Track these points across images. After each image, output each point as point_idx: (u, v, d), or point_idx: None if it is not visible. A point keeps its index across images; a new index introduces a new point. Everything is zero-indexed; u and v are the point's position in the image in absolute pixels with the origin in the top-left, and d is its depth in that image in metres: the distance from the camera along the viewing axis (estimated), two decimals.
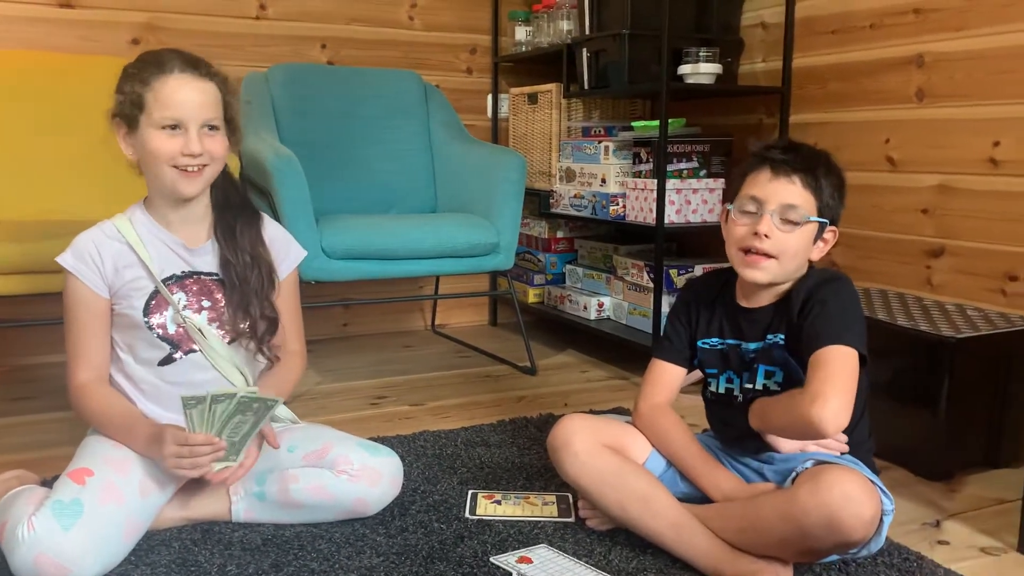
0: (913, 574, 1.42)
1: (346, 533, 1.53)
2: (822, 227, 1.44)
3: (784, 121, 2.60)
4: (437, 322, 3.36)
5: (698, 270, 2.67)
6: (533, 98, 3.12)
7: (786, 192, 1.41)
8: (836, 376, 1.30)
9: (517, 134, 3.24)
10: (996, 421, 1.89)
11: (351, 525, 1.56)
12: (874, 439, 1.51)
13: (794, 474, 1.34)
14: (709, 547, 1.38)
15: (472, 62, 3.30)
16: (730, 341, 1.52)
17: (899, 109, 2.27)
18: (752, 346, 1.49)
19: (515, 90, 3.24)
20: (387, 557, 1.46)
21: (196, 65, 1.46)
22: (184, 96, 1.44)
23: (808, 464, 1.35)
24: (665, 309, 2.54)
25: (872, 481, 1.32)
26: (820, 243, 1.46)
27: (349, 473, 1.54)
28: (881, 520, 1.30)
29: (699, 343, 1.56)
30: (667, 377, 1.59)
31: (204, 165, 1.47)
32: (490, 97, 3.34)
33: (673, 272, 2.65)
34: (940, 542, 1.58)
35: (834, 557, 1.40)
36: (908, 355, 1.89)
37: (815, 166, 1.42)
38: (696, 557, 1.39)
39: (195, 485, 1.52)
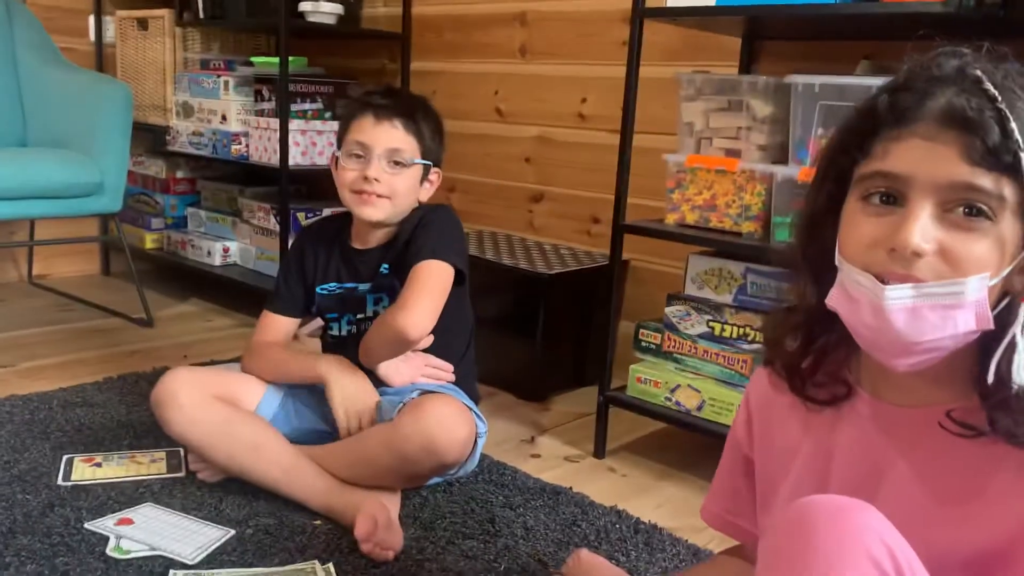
0: (507, 487, 1.57)
1: None
2: (427, 169, 1.52)
3: (405, 67, 2.65)
4: (35, 272, 2.97)
5: (326, 212, 2.66)
6: (143, 24, 2.84)
7: (390, 136, 1.47)
8: (422, 286, 1.41)
9: (126, 63, 2.94)
10: (583, 346, 2.15)
11: None
12: (477, 368, 1.64)
13: (401, 405, 1.41)
14: (320, 485, 1.41)
15: None
16: (347, 284, 1.56)
17: (506, 63, 2.44)
18: (365, 286, 1.54)
19: (122, 13, 2.92)
20: None
21: None
22: None
23: (414, 395, 1.43)
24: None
25: (468, 407, 1.43)
26: (427, 184, 1.55)
27: None
28: (476, 442, 1.42)
29: (317, 289, 1.57)
30: (276, 326, 1.61)
31: None
32: (92, 19, 2.98)
33: (301, 215, 2.61)
34: (533, 455, 1.77)
35: (436, 480, 1.51)
36: (511, 291, 2.07)
37: (414, 111, 1.50)
38: (308, 496, 1.41)
39: None
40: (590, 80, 2.25)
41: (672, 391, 1.68)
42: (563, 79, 2.31)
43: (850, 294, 0.69)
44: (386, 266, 1.53)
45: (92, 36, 3.00)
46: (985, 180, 0.63)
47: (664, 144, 1.89)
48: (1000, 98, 0.63)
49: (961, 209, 0.65)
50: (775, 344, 0.81)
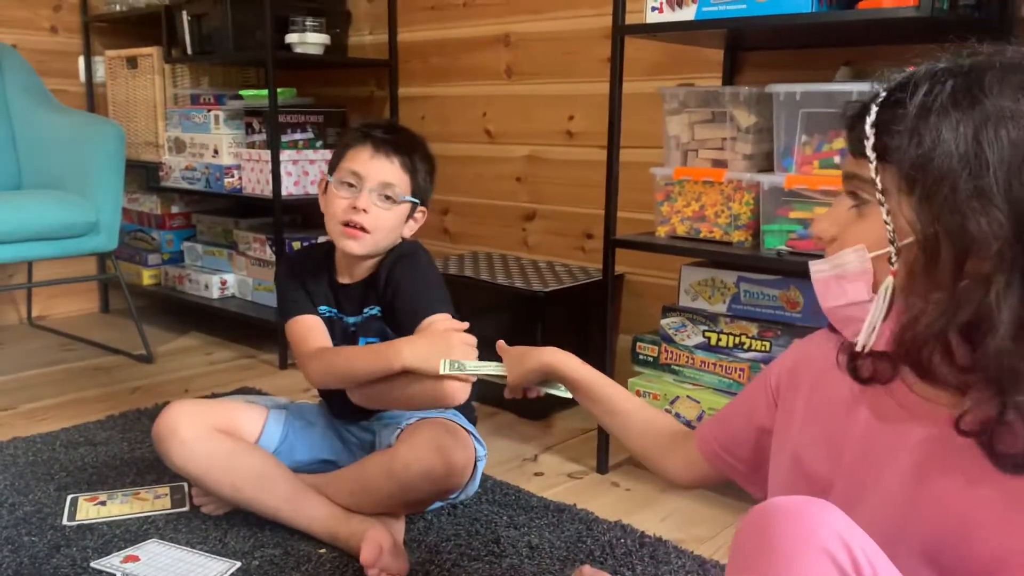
0: (511, 506, 1.57)
1: None
2: (414, 207, 1.52)
3: (393, 94, 2.68)
4: (35, 313, 2.98)
5: (321, 241, 2.67)
6: (133, 62, 2.87)
7: (385, 171, 1.46)
8: None
9: (117, 101, 2.97)
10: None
11: None
12: (476, 388, 1.64)
13: (398, 431, 1.41)
14: (324, 513, 1.41)
15: (56, 20, 2.94)
16: (335, 312, 1.55)
17: (492, 85, 2.46)
18: (351, 320, 1.54)
19: (111, 53, 2.95)
20: None
21: None
22: None
23: (412, 420, 1.43)
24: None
25: (467, 431, 1.43)
26: (411, 222, 1.54)
27: None
28: (475, 466, 1.42)
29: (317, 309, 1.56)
30: (313, 326, 1.51)
31: None
32: (82, 59, 3.01)
33: (296, 244, 2.63)
34: (536, 474, 1.77)
35: (438, 504, 1.51)
36: (507, 310, 2.08)
37: (413, 150, 1.50)
38: (312, 525, 1.42)
39: None
40: (576, 98, 2.27)
41: (671, 403, 1.68)
42: (549, 98, 2.33)
43: None
44: (378, 309, 1.51)
45: (82, 77, 3.03)
46: (857, 167, 0.72)
47: (651, 158, 1.91)
48: (881, 96, 0.71)
49: (849, 195, 0.75)
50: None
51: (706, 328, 1.68)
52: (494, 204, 2.51)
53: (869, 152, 0.70)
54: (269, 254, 2.62)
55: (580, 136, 2.28)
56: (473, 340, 1.38)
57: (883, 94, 0.71)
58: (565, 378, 1.14)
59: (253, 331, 2.69)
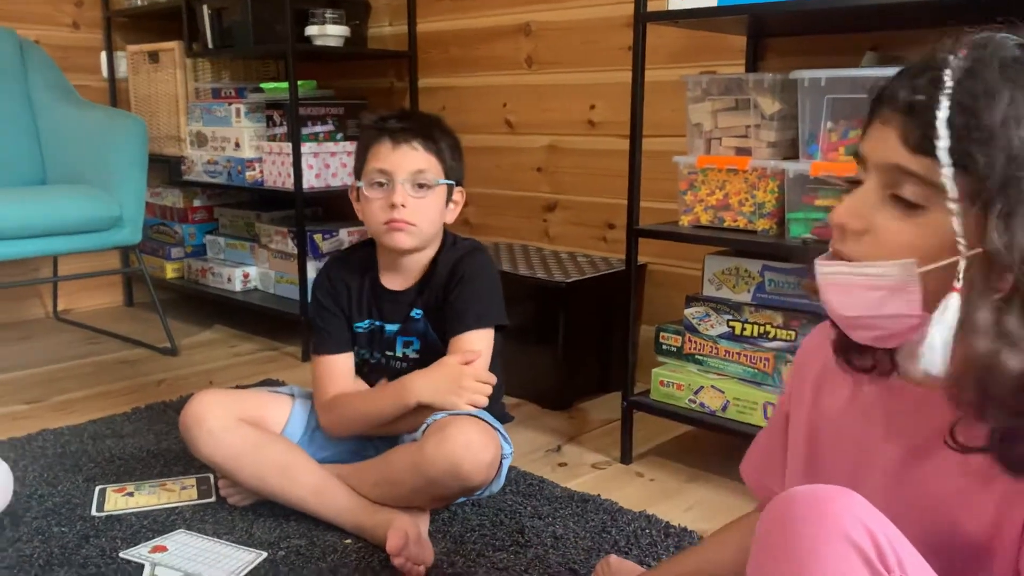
0: (535, 496, 1.57)
1: None
2: (451, 189, 1.51)
3: (413, 85, 2.67)
4: (61, 307, 3.01)
5: (343, 233, 2.68)
6: (154, 57, 2.88)
7: (411, 159, 1.45)
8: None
9: (139, 96, 2.98)
10: (605, 352, 2.15)
11: None
12: (504, 384, 1.63)
13: (425, 426, 1.41)
14: (349, 504, 1.41)
15: (78, 16, 2.96)
16: (376, 323, 1.55)
17: (513, 75, 2.45)
18: (393, 326, 1.54)
19: (133, 48, 2.97)
20: None
21: None
22: None
23: (439, 416, 1.42)
24: (312, 275, 2.51)
25: (494, 428, 1.42)
26: (451, 204, 1.53)
27: None
28: (501, 463, 1.41)
29: (354, 327, 1.56)
30: (337, 368, 1.53)
31: None
32: (104, 55, 3.03)
33: (318, 237, 2.64)
34: (560, 464, 1.77)
35: (462, 499, 1.50)
36: (530, 301, 2.07)
37: (431, 130, 1.48)
38: (338, 515, 1.42)
39: None
40: (597, 87, 2.26)
41: (695, 393, 1.67)
42: (570, 87, 2.32)
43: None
44: (419, 312, 1.51)
45: (104, 72, 3.05)
46: (917, 166, 0.64)
47: (674, 146, 1.89)
48: (947, 86, 0.63)
49: (895, 193, 0.66)
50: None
51: (730, 317, 1.67)
52: (515, 195, 2.50)
53: (943, 155, 0.62)
54: (291, 247, 2.63)
55: (601, 125, 2.26)
56: (486, 376, 1.41)
57: (948, 85, 0.63)
58: None
59: (276, 323, 2.71)
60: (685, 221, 1.70)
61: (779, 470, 0.91)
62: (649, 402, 1.72)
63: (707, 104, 1.67)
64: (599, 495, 1.58)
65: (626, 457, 1.76)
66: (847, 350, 0.77)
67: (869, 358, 0.76)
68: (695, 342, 1.71)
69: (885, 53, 1.62)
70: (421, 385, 1.41)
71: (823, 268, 0.70)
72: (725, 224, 1.65)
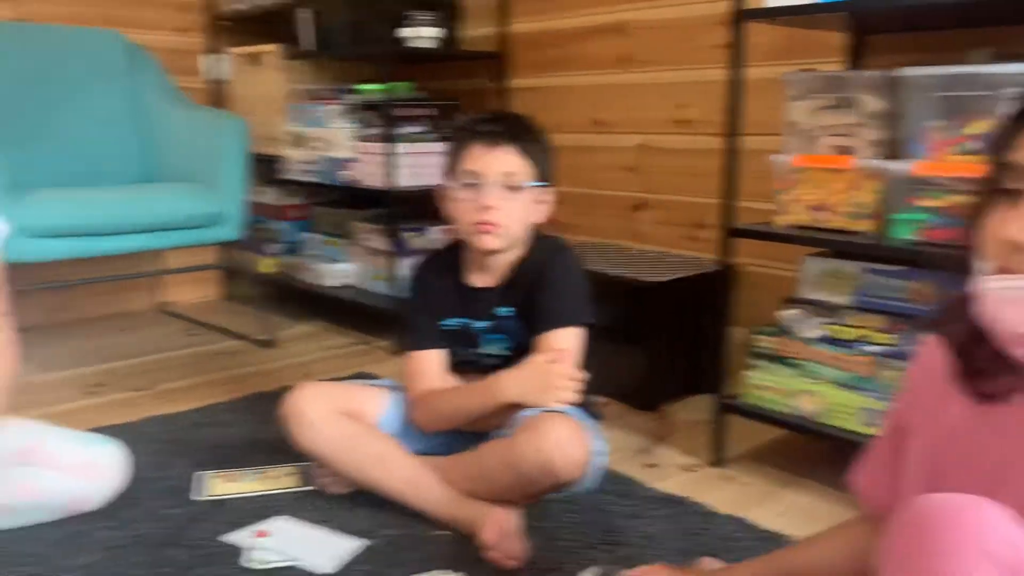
0: (626, 496, 1.57)
1: (63, 532, 1.43)
2: (539, 190, 1.52)
3: (504, 86, 2.70)
4: (164, 300, 3.15)
5: (433, 232, 2.73)
6: (255, 59, 2.99)
7: (502, 161, 1.47)
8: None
9: (239, 97, 3.10)
10: (694, 353, 2.12)
11: (69, 522, 1.45)
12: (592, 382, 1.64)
13: (515, 422, 1.42)
14: (443, 496, 1.44)
15: (183, 20, 3.09)
16: (463, 320, 1.58)
17: (605, 74, 2.45)
18: (481, 324, 1.56)
19: (235, 51, 3.08)
20: (111, 551, 1.37)
21: None
22: None
23: (530, 412, 1.44)
24: (403, 272, 2.57)
25: (586, 426, 1.43)
26: (540, 205, 1.54)
27: (63, 469, 1.43)
28: (593, 461, 1.41)
29: (442, 324, 1.59)
30: (427, 365, 1.57)
31: None
32: (207, 58, 3.15)
33: (409, 235, 2.69)
34: (649, 465, 1.76)
35: (553, 495, 1.51)
36: (618, 301, 2.07)
37: (523, 133, 1.50)
38: (432, 507, 1.45)
39: None
40: (689, 85, 2.24)
41: (790, 397, 1.64)
42: (662, 86, 2.31)
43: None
44: (510, 310, 1.53)
45: (207, 74, 3.17)
46: None
47: (769, 145, 1.86)
48: None
49: None
50: (943, 325, 0.79)
51: (828, 321, 1.64)
52: (604, 194, 2.50)
53: None
54: (383, 244, 2.69)
55: (693, 124, 2.24)
56: (575, 374, 1.41)
57: None
58: None
59: (367, 318, 2.77)
60: (781, 221, 1.67)
61: (893, 481, 0.89)
62: (742, 405, 1.70)
63: (807, 102, 1.64)
64: (690, 497, 1.57)
65: (717, 460, 1.75)
66: (973, 375, 0.75)
67: (996, 383, 0.74)
68: (791, 345, 1.68)
69: (996, 50, 1.56)
70: (510, 383, 1.44)
71: (996, 284, 0.67)
72: (824, 225, 1.62)
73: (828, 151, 1.63)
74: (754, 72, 1.87)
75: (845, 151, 1.61)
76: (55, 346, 2.62)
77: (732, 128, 1.64)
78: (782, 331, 1.70)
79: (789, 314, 1.69)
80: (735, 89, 1.63)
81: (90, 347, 2.62)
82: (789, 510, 1.55)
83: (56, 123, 2.60)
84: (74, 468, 1.44)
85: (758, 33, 1.90)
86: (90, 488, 1.46)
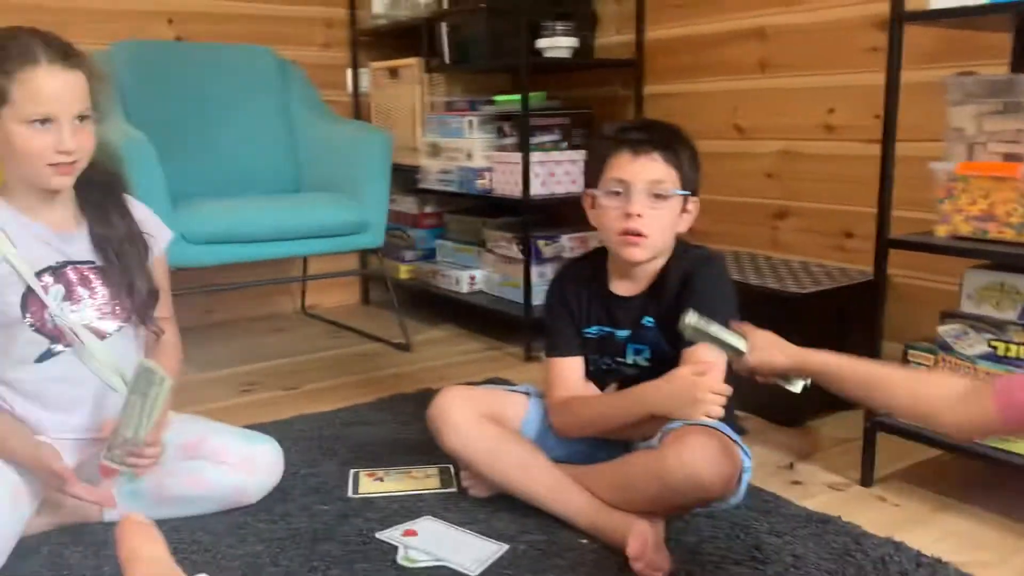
0: (770, 513, 1.53)
1: (227, 523, 1.51)
2: (684, 199, 1.51)
3: (639, 93, 2.69)
4: (307, 303, 3.30)
5: (564, 240, 2.74)
6: (394, 73, 3.09)
7: (649, 170, 1.46)
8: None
9: (379, 109, 3.21)
10: None
11: (231, 514, 1.54)
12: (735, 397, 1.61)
13: (661, 433, 1.41)
14: (585, 505, 1.45)
15: (329, 36, 3.23)
16: (605, 328, 1.58)
17: (744, 79, 2.40)
18: (624, 333, 1.56)
19: (375, 64, 3.20)
20: (271, 543, 1.45)
21: (64, 54, 1.35)
22: (55, 90, 1.33)
23: (676, 425, 1.42)
24: (535, 279, 2.60)
25: (734, 441, 1.41)
26: (685, 215, 1.53)
27: (227, 463, 1.52)
28: (741, 476, 1.39)
29: (583, 332, 1.60)
30: (567, 371, 1.58)
31: (76, 161, 1.38)
32: (350, 72, 3.29)
33: (541, 243, 2.71)
34: (794, 482, 1.71)
35: (697, 509, 1.49)
36: (759, 312, 2.01)
37: (671, 140, 1.49)
38: (574, 515, 1.46)
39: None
40: (837, 90, 2.17)
41: None
42: (807, 91, 2.24)
43: None
44: (651, 320, 1.52)
45: (349, 87, 3.30)
46: None
47: (925, 152, 1.78)
48: None
49: None
50: None
51: (992, 337, 1.55)
52: (743, 201, 2.45)
53: None
54: (515, 251, 2.73)
55: (841, 130, 2.17)
56: (723, 388, 1.38)
57: None
58: (824, 374, 1.19)
59: (499, 324, 2.81)
60: (942, 232, 1.59)
61: None
62: (896, 423, 1.63)
63: (970, 107, 1.56)
64: (839, 517, 1.52)
65: (867, 479, 1.68)
66: None
67: None
68: (950, 362, 1.60)
69: None
70: (654, 397, 1.42)
71: None
72: (988, 236, 1.53)
73: (993, 158, 1.54)
74: (909, 75, 1.80)
75: (1012, 158, 1.52)
76: (208, 346, 2.78)
77: (889, 134, 1.57)
78: (940, 347, 1.62)
79: (948, 329, 1.61)
80: (892, 94, 1.56)
81: (241, 348, 2.77)
82: (948, 535, 1.47)
83: (212, 135, 2.77)
84: (237, 463, 1.53)
85: (914, 35, 1.82)
86: (251, 482, 1.55)
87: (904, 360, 1.67)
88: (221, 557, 1.40)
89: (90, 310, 1.46)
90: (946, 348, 1.61)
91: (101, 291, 1.47)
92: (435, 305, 3.16)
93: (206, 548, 1.43)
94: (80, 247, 1.47)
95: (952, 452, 1.58)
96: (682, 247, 1.55)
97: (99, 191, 1.50)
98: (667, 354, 1.51)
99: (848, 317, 1.98)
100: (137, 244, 1.51)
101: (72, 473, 1.37)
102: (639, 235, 1.45)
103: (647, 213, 1.45)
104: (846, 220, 2.17)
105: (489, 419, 1.55)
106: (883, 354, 1.78)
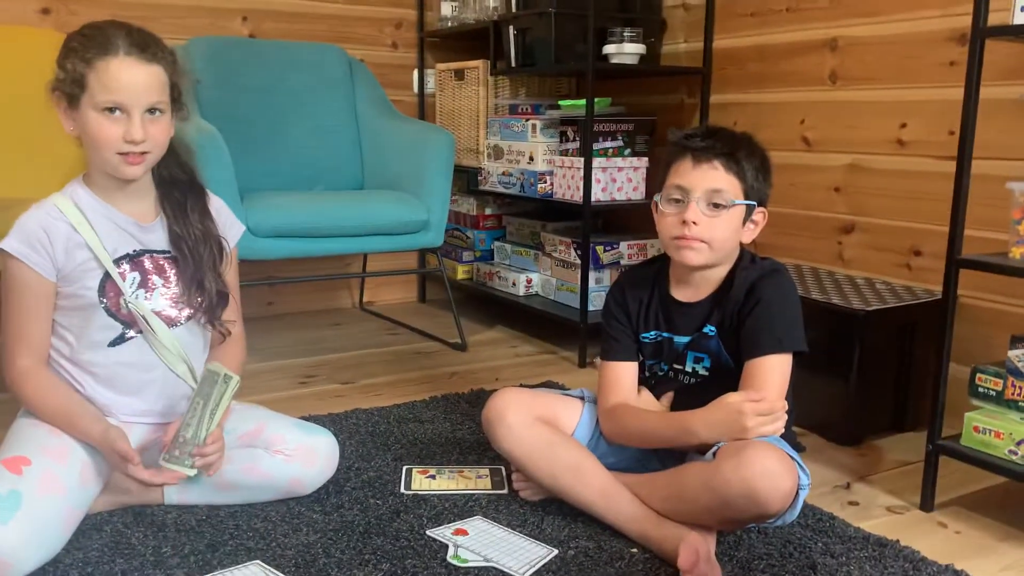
0: (825, 533, 1.51)
1: (282, 512, 1.54)
2: (750, 209, 1.49)
3: (705, 101, 2.67)
4: (365, 299, 3.35)
5: (623, 247, 2.73)
6: (460, 74, 3.12)
7: (709, 178, 1.45)
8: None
9: (444, 110, 3.24)
10: (902, 388, 2.01)
11: (286, 504, 1.57)
12: (793, 414, 1.58)
13: (717, 446, 1.40)
14: (636, 513, 1.44)
15: (397, 37, 3.28)
16: (664, 334, 1.57)
17: (814, 91, 2.36)
18: (683, 339, 1.54)
19: (441, 66, 3.23)
20: (324, 534, 1.47)
21: (143, 47, 1.39)
22: (127, 80, 1.37)
23: None
24: (592, 285, 2.60)
25: (791, 457, 1.38)
26: (750, 225, 1.51)
27: (285, 453, 1.55)
28: (797, 493, 1.36)
29: (640, 337, 1.59)
30: (621, 376, 1.58)
31: (146, 152, 1.42)
32: (416, 73, 3.32)
33: (600, 248, 2.71)
34: (850, 503, 1.68)
35: (751, 525, 1.47)
36: (821, 327, 1.98)
37: (735, 150, 1.47)
38: (624, 523, 1.45)
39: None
40: (910, 104, 2.12)
41: (1017, 444, 1.51)
42: (878, 104, 2.20)
43: None
44: (712, 329, 1.50)
45: (415, 88, 3.34)
46: None
47: (1001, 170, 1.73)
48: None
49: None
50: None
51: None
52: (808, 215, 2.41)
53: None
54: (573, 256, 2.73)
55: (913, 145, 2.12)
56: (780, 406, 1.36)
57: None
58: None
59: (554, 328, 2.82)
60: (1017, 253, 1.55)
61: None
62: (960, 448, 1.59)
63: None
64: (897, 541, 1.48)
65: (927, 504, 1.64)
66: None
67: None
68: (1020, 387, 1.55)
69: None
70: (701, 424, 1.40)
71: None
72: None
73: None
74: (987, 92, 1.75)
75: None
76: (268, 338, 2.84)
77: (965, 151, 1.54)
78: (1010, 371, 1.57)
79: (1019, 353, 1.56)
80: (970, 110, 1.52)
81: (299, 341, 2.83)
82: (1014, 566, 1.43)
83: (281, 131, 2.83)
84: (295, 453, 1.56)
85: (992, 51, 1.77)
86: (307, 473, 1.58)
87: (971, 383, 1.63)
88: (276, 545, 1.43)
89: (162, 299, 1.50)
90: (1016, 373, 1.56)
91: (175, 281, 1.52)
92: (491, 306, 3.17)
93: (261, 535, 1.46)
94: (157, 237, 1.52)
95: (1018, 480, 1.53)
96: (748, 257, 1.54)
97: (181, 189, 1.55)
98: (727, 365, 1.50)
99: (912, 336, 1.94)
100: (211, 245, 1.55)
101: (136, 455, 1.41)
102: (695, 239, 1.44)
103: (703, 221, 1.44)
104: (914, 237, 2.12)
105: (543, 422, 1.56)
106: (950, 376, 1.74)
